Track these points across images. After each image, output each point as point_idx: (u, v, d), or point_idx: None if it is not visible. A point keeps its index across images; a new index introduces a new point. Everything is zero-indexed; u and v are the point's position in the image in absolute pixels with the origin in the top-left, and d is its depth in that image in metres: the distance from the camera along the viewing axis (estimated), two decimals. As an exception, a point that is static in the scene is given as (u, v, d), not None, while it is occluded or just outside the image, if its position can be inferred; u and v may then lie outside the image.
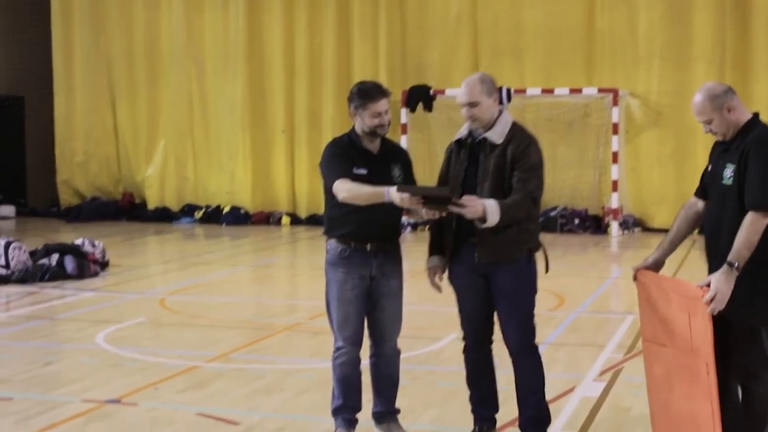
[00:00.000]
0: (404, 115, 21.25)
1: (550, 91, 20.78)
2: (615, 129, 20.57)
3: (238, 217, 22.75)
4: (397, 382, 7.31)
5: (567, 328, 11.14)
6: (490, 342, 7.00)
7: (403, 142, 21.00)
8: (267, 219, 22.84)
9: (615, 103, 20.53)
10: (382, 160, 6.97)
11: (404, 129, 21.29)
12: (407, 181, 7.00)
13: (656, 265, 6.42)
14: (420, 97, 21.27)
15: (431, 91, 21.20)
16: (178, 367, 9.43)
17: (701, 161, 19.48)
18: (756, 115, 6.11)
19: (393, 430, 7.24)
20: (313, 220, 22.43)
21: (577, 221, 20.67)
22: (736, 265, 5.78)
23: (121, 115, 23.88)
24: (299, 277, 16.38)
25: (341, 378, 7.12)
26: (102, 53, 23.82)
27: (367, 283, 6.95)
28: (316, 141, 22.35)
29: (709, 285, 5.79)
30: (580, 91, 20.85)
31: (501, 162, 6.64)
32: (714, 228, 6.11)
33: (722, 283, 5.75)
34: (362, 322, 7.05)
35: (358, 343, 7.06)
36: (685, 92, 20.42)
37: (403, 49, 22.06)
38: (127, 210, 23.77)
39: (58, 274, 14.42)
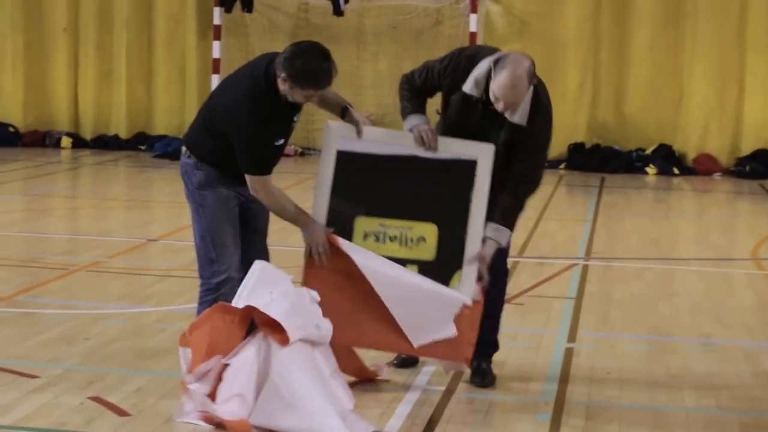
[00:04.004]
0: (218, 15, 21.16)
1: (396, -8, 21.01)
2: (472, 40, 20.79)
3: (6, 137, 22.36)
4: None
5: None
6: None
7: (216, 48, 21.01)
8: (42, 140, 22.50)
9: (473, 9, 20.73)
10: (290, 114, 7.16)
11: (217, 33, 21.20)
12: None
13: None
14: (238, -7, 21.28)
15: (252, -13, 21.22)
16: (-47, 311, 9.33)
17: (571, 79, 19.74)
18: None
19: None
20: (100, 143, 22.23)
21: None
22: None
23: None
24: (87, 210, 16.27)
25: None
26: None
27: (242, 200, 7.21)
28: (107, 43, 22.18)
29: None
30: (432, -7, 21.08)
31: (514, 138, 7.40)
32: None
33: None
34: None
35: (243, 269, 7.22)
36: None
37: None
38: None
39: None
